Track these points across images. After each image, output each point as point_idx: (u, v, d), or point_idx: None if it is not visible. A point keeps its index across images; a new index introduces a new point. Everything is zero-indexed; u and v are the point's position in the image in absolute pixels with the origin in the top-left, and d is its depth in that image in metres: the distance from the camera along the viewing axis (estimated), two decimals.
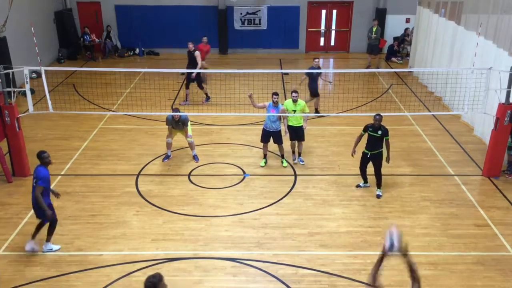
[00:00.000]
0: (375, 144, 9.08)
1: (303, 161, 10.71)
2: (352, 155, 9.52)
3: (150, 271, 7.28)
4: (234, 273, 7.35)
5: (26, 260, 7.57)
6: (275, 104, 10.17)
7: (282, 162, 10.71)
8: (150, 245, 7.97)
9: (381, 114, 9.09)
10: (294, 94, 10.19)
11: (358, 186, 9.75)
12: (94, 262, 7.53)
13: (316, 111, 13.64)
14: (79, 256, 7.67)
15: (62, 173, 10.31)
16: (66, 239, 8.10)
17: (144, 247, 7.91)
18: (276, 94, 10.22)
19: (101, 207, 9.05)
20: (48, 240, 7.77)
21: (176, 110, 10.48)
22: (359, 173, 10.26)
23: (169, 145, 10.77)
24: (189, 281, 7.14)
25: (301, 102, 10.26)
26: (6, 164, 9.92)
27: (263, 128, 10.51)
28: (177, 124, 10.53)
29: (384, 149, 9.14)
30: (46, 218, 7.55)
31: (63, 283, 7.11)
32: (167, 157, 10.85)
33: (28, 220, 8.60)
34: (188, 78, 14.16)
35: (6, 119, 9.66)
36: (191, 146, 10.81)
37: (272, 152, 10.91)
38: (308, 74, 13.27)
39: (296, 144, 10.72)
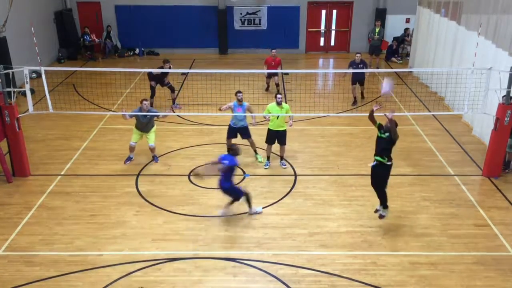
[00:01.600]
0: (381, 148, 8.19)
1: (285, 165, 10.55)
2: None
3: (150, 271, 7.32)
4: (234, 273, 7.35)
5: (26, 260, 7.57)
6: (240, 103, 10.28)
7: (257, 158, 10.81)
8: (150, 245, 7.97)
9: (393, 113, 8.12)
10: (278, 97, 10.07)
11: (376, 210, 8.55)
12: (94, 262, 7.53)
13: (355, 100, 14.57)
14: (79, 256, 7.67)
15: (62, 173, 10.31)
16: (66, 239, 8.10)
17: (144, 247, 7.90)
18: (239, 92, 10.33)
19: (101, 207, 9.05)
20: (250, 207, 8.71)
21: (145, 100, 10.36)
22: (359, 173, 10.29)
23: (132, 148, 10.67)
24: (189, 281, 7.14)
25: (285, 105, 10.18)
26: (6, 164, 9.92)
27: (230, 125, 10.61)
28: (144, 118, 10.32)
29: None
30: (238, 197, 8.55)
31: (63, 283, 7.11)
32: (129, 159, 10.75)
33: (28, 220, 8.61)
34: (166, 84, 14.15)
35: (6, 119, 9.66)
36: (152, 150, 10.76)
37: (273, 153, 10.89)
38: (351, 66, 14.28)
39: (279, 148, 10.54)
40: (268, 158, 10.61)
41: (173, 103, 14.32)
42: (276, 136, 10.35)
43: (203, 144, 11.68)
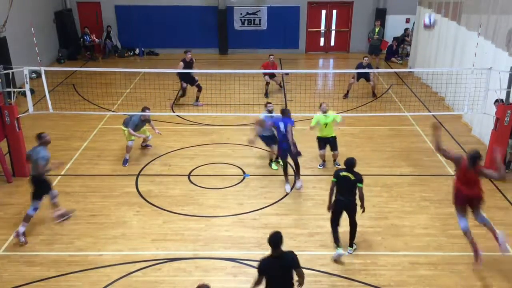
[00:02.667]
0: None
1: (338, 164, 10.55)
2: (329, 210, 7.77)
3: (150, 271, 7.32)
4: (234, 273, 7.35)
5: (26, 260, 7.58)
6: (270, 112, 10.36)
7: (271, 166, 10.66)
8: (150, 245, 7.97)
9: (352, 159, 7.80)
10: (323, 106, 10.13)
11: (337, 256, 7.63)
12: (94, 262, 7.53)
13: (347, 93, 15.09)
14: (79, 256, 7.68)
15: (62, 173, 10.31)
16: (66, 239, 8.11)
17: (144, 247, 7.91)
18: (269, 103, 10.54)
19: (101, 207, 9.06)
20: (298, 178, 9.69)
21: (147, 109, 10.67)
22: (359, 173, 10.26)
23: (130, 148, 10.69)
24: (189, 281, 7.13)
25: (331, 113, 10.20)
26: (6, 164, 9.92)
27: (263, 136, 10.37)
28: (143, 123, 10.74)
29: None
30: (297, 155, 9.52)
31: (63, 283, 7.11)
32: (126, 161, 10.70)
33: None
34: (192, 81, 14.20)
35: (6, 119, 9.66)
36: (146, 140, 11.18)
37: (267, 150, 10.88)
38: (357, 68, 14.66)
39: (331, 153, 10.58)
40: (324, 161, 10.62)
41: (196, 100, 14.36)
42: (326, 142, 10.37)
43: (203, 144, 11.68)
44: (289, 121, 9.41)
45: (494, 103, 9.82)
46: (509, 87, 9.38)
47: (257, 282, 5.68)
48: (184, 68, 13.55)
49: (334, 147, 10.45)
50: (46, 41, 18.23)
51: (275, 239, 5.59)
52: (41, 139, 8.13)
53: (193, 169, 10.49)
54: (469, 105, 10.07)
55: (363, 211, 7.59)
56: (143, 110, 10.57)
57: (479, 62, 12.01)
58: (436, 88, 15.31)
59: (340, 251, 7.60)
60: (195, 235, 8.22)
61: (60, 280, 7.16)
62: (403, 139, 11.97)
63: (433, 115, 13.29)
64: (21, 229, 7.98)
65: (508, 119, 9.51)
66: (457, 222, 7.39)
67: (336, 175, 7.58)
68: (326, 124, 10.13)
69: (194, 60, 13.92)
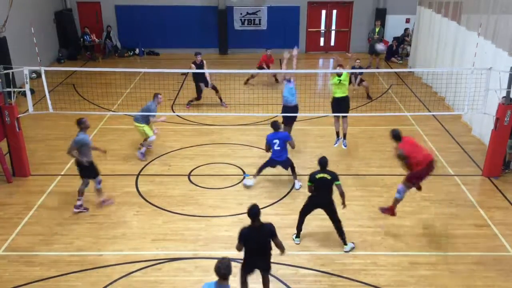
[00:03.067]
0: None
1: (346, 145, 10.96)
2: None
3: (150, 271, 7.32)
4: (234, 273, 7.30)
5: (26, 260, 7.58)
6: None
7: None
8: (150, 245, 7.97)
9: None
10: (338, 69, 10.55)
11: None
12: (94, 262, 7.53)
13: (368, 96, 15.13)
14: (79, 256, 7.68)
15: (62, 173, 10.32)
16: (66, 239, 8.11)
17: (144, 247, 7.91)
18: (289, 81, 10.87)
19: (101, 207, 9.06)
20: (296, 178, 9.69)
21: (159, 93, 10.89)
22: (358, 173, 10.26)
23: (152, 143, 11.08)
24: (189, 281, 7.14)
25: (344, 73, 10.54)
26: (6, 164, 9.92)
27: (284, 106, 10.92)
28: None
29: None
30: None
31: (63, 283, 7.11)
32: (143, 154, 10.95)
33: (28, 220, 8.61)
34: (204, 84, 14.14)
35: (6, 119, 9.66)
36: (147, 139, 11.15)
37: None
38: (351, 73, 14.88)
39: (340, 122, 10.87)
40: (337, 134, 11.04)
41: (221, 101, 14.25)
42: (340, 103, 10.61)
43: (203, 144, 11.68)
44: (284, 137, 9.48)
45: (502, 98, 9.73)
46: (509, 87, 9.37)
47: (238, 249, 6.12)
48: (199, 73, 13.63)
49: (345, 109, 10.68)
50: (46, 41, 18.22)
51: (253, 211, 6.01)
52: (80, 124, 8.65)
53: (193, 169, 10.49)
54: (469, 105, 10.06)
55: (344, 207, 7.76)
56: (156, 95, 10.75)
57: (479, 62, 12.00)
58: (436, 88, 15.31)
59: (297, 241, 8.04)
60: (195, 235, 8.22)
61: (60, 280, 7.16)
62: None
63: (433, 115, 13.30)
64: (98, 199, 8.92)
65: (508, 119, 9.51)
66: (398, 192, 8.03)
67: (312, 178, 7.65)
68: (339, 81, 10.44)
69: (204, 62, 13.88)
